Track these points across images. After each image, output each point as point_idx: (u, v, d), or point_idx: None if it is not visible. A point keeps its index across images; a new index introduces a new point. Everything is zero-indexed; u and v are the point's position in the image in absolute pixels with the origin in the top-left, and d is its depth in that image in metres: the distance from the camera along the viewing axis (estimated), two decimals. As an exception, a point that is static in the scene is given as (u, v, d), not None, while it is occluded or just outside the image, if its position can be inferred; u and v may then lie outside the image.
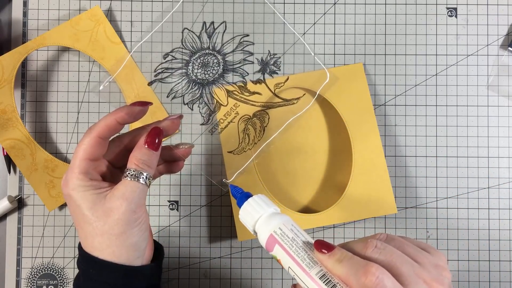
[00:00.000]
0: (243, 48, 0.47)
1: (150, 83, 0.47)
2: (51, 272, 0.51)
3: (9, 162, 0.50)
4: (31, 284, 0.50)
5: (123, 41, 0.51)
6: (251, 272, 0.51)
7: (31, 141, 0.50)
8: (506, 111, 0.51)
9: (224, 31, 0.47)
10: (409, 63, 0.52)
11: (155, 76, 0.47)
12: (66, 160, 0.51)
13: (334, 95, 0.50)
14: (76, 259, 0.38)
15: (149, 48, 0.52)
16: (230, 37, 0.47)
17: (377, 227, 0.51)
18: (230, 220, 0.51)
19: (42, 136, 0.51)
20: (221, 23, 0.46)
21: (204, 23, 0.47)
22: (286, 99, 0.48)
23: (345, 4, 0.52)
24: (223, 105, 0.47)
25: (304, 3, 0.52)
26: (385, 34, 0.52)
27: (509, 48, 0.51)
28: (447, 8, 0.52)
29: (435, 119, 0.51)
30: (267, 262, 0.51)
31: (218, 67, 0.46)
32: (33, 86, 0.52)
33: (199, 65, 0.46)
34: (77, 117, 0.51)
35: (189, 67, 0.46)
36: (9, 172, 0.51)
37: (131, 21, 0.52)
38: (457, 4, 0.52)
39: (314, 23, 0.52)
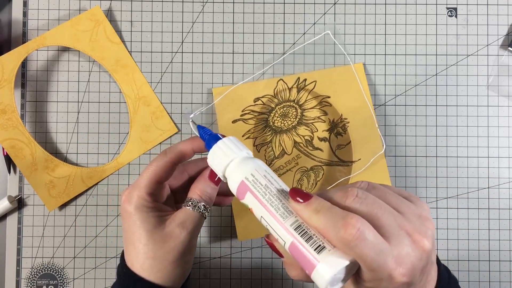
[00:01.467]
0: (321, 107, 0.50)
1: (234, 121, 0.50)
2: (51, 272, 0.51)
3: (9, 162, 0.50)
4: (31, 284, 0.50)
5: (123, 41, 0.51)
6: (251, 272, 0.51)
7: (31, 141, 0.50)
8: (506, 111, 0.51)
9: (313, 88, 0.50)
10: (409, 63, 0.52)
11: (241, 116, 0.50)
12: (66, 160, 0.51)
13: (334, 95, 0.50)
14: (117, 267, 0.38)
15: (149, 48, 0.52)
16: (315, 95, 0.50)
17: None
18: (230, 220, 0.51)
19: (42, 136, 0.51)
20: (312, 82, 0.50)
21: (298, 78, 0.50)
22: (343, 160, 0.51)
23: (345, 4, 0.52)
24: (287, 153, 0.50)
25: (304, 3, 0.52)
26: (385, 34, 0.52)
27: (509, 48, 0.51)
28: (447, 8, 0.52)
29: (435, 119, 0.51)
30: (267, 262, 0.51)
31: (295, 119, 0.50)
32: (33, 86, 0.52)
33: (280, 114, 0.50)
34: (77, 117, 0.51)
35: (271, 114, 0.50)
36: (9, 172, 0.51)
37: (131, 21, 0.52)
38: (457, 4, 0.52)
39: (314, 23, 0.52)
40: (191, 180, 0.37)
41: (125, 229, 0.35)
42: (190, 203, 0.35)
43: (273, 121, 0.50)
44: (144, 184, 0.34)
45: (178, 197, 0.39)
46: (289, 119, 0.50)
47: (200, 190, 0.35)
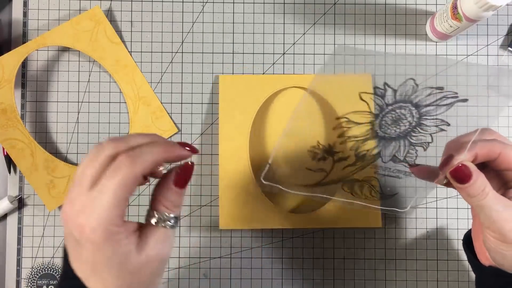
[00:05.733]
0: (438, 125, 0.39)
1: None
2: (51, 272, 0.51)
3: (9, 162, 0.50)
4: (31, 284, 0.50)
5: (123, 41, 0.51)
6: (251, 272, 0.51)
7: (31, 141, 0.50)
8: (506, 111, 0.51)
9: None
10: (409, 63, 0.52)
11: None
12: (66, 160, 0.51)
13: (339, 102, 0.50)
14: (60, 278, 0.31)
15: (149, 48, 0.52)
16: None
17: (377, 227, 0.51)
18: (230, 220, 0.51)
19: (42, 136, 0.51)
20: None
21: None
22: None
23: (345, 4, 0.52)
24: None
25: (304, 3, 0.52)
26: (385, 34, 0.52)
27: (509, 48, 0.51)
28: (447, 8, 0.52)
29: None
30: (267, 262, 0.51)
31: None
32: (33, 86, 0.52)
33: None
34: (77, 117, 0.51)
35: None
36: (9, 172, 0.51)
37: (131, 21, 0.52)
38: (457, 4, 0.52)
39: (314, 23, 0.52)
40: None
41: (84, 259, 0.27)
42: (157, 218, 0.29)
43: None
44: (111, 203, 0.26)
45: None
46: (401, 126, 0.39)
47: (167, 200, 0.29)
